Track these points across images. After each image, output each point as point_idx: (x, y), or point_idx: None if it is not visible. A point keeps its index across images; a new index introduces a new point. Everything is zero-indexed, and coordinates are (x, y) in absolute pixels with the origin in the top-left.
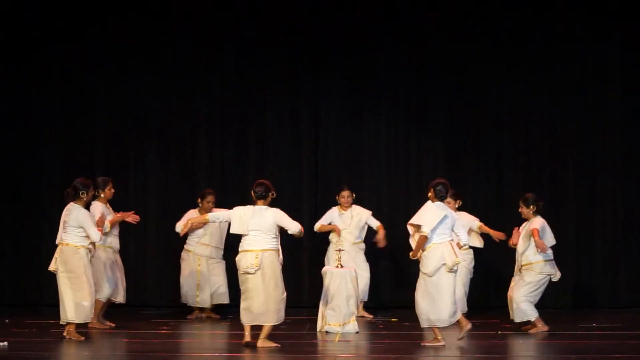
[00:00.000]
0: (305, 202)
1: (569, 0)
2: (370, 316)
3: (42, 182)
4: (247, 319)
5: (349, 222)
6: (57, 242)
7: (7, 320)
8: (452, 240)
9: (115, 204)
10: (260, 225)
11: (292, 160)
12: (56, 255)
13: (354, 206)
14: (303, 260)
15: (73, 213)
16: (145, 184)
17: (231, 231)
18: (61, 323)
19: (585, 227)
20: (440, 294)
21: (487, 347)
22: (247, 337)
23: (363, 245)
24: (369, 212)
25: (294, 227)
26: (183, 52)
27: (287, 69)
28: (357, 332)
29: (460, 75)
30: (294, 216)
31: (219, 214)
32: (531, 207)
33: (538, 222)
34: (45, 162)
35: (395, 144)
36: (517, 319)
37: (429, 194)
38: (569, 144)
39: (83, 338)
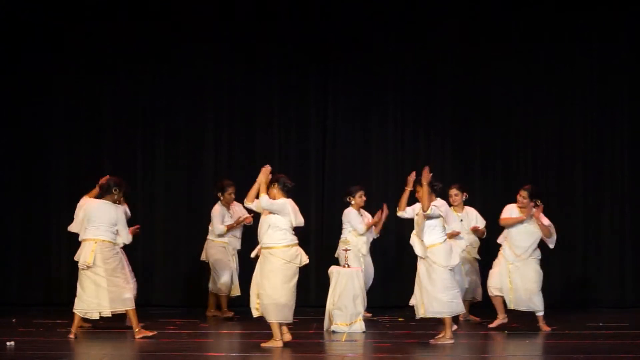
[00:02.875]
0: (313, 202)
1: (576, 1)
2: (369, 314)
3: (49, 183)
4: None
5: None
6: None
7: (14, 320)
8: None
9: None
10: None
11: (300, 160)
12: (92, 249)
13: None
14: (310, 260)
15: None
16: (152, 184)
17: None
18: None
19: (593, 227)
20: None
21: (494, 346)
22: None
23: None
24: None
25: None
26: (190, 53)
27: (295, 68)
28: (363, 332)
29: (467, 75)
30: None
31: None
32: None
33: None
34: (53, 163)
35: (403, 143)
36: (525, 309)
37: None
38: (577, 143)
39: (155, 332)
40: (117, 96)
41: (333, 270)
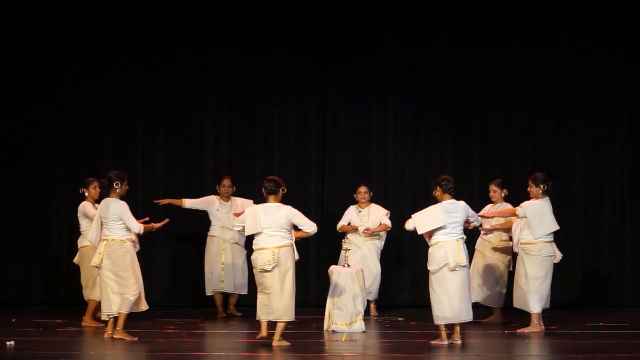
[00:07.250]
0: (313, 199)
1: (577, 1)
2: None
3: (49, 181)
4: (264, 315)
5: (366, 220)
6: (91, 240)
7: (14, 320)
8: (462, 237)
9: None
10: (273, 223)
11: (299, 157)
12: (100, 251)
13: (372, 204)
14: (310, 259)
15: (111, 206)
16: (152, 182)
17: (246, 234)
18: (103, 318)
19: (593, 227)
20: (443, 292)
21: (494, 346)
22: (263, 332)
23: (379, 243)
24: (385, 212)
25: (309, 226)
26: (190, 49)
27: (295, 65)
28: (363, 332)
29: (467, 72)
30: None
31: (239, 222)
32: (540, 186)
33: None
34: (53, 161)
35: (403, 140)
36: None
37: (437, 192)
38: (577, 142)
39: (136, 338)
40: (117, 95)
41: (333, 269)
